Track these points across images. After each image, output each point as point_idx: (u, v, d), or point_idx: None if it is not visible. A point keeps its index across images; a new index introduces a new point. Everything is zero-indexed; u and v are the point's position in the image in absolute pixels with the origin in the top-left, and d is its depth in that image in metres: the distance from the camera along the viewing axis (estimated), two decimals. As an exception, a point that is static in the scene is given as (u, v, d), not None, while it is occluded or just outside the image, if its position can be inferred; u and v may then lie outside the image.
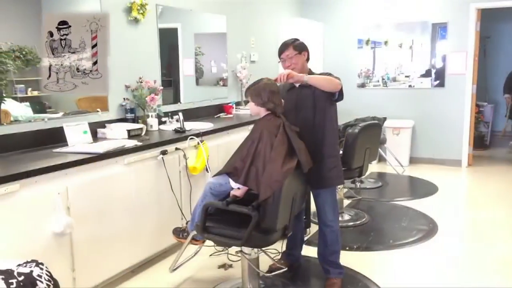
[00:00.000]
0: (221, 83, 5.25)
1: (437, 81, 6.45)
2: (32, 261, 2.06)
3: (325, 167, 2.89)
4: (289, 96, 2.90)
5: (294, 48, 2.89)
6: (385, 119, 5.68)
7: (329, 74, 2.83)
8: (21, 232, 2.39)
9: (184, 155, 3.52)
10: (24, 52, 3.07)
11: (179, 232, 3.13)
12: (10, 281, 1.87)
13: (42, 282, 1.96)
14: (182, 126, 3.74)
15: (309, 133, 2.84)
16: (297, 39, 2.98)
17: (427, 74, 6.55)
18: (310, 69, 2.97)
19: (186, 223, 3.17)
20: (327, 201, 2.97)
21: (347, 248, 3.62)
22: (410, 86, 6.69)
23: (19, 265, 2.02)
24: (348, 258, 3.35)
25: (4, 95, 2.97)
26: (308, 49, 2.97)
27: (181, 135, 3.59)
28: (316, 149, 2.84)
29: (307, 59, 2.97)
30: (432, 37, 6.46)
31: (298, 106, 2.89)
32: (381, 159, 6.55)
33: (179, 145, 3.49)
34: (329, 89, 2.75)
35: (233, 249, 3.02)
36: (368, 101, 6.66)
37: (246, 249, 2.77)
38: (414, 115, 6.58)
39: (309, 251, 3.47)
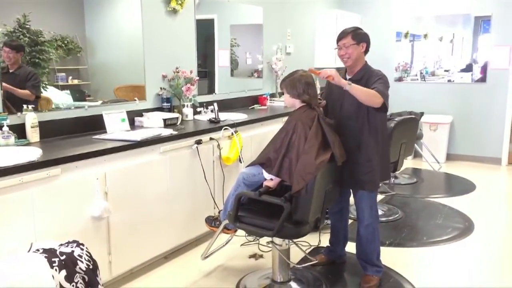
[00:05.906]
0: (255, 74, 5.26)
1: (478, 76, 6.25)
2: (74, 241, 2.15)
3: (360, 170, 2.80)
4: (337, 90, 2.78)
5: (353, 38, 2.74)
6: (422, 114, 5.55)
7: (380, 78, 2.70)
8: (61, 214, 2.47)
9: (218, 145, 3.56)
10: (65, 42, 3.17)
11: (211, 221, 3.17)
12: (53, 259, 1.95)
13: (82, 262, 2.04)
14: (216, 117, 3.78)
15: (349, 130, 2.79)
16: (358, 28, 2.82)
17: (468, 68, 6.35)
18: (366, 61, 2.83)
19: (219, 212, 3.22)
20: (363, 199, 2.90)
21: (379, 244, 3.58)
22: (449, 80, 6.51)
23: (61, 244, 2.10)
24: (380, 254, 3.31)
25: (46, 83, 3.08)
26: (369, 41, 2.81)
27: (215, 125, 3.63)
28: (353, 149, 2.78)
29: (366, 52, 2.81)
30: (474, 30, 6.25)
31: (343, 101, 2.80)
32: (417, 155, 6.41)
33: (213, 135, 3.53)
34: (366, 103, 2.62)
35: (264, 240, 3.04)
36: (405, 95, 6.51)
37: (277, 240, 2.78)
38: (453, 111, 6.40)
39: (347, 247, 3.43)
